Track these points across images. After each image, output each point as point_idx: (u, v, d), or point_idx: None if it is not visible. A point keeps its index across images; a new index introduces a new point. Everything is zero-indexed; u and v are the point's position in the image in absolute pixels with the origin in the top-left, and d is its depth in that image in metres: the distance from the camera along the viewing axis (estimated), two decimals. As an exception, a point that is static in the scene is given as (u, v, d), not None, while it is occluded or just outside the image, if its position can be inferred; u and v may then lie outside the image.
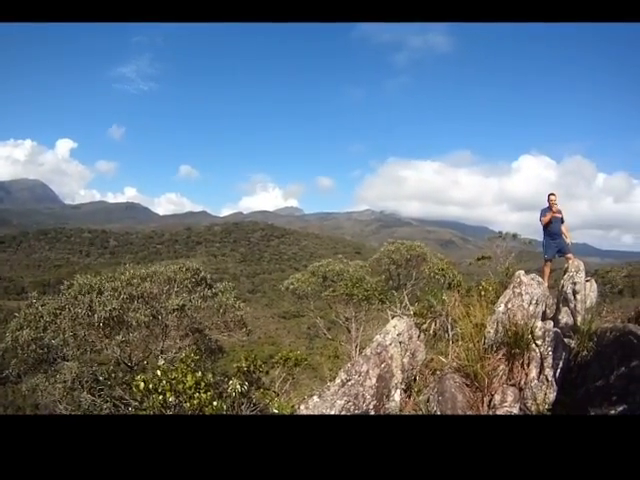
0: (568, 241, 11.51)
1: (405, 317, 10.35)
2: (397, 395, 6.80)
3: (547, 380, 6.48)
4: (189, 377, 8.28)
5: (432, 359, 7.83)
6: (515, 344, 6.63)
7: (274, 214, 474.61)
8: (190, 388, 8.18)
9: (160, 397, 7.98)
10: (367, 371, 6.95)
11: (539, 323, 7.07)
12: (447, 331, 9.45)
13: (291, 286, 21.11)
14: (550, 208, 11.44)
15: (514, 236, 20.43)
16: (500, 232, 21.00)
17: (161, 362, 13.75)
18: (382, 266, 21.33)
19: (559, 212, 11.44)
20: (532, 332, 6.79)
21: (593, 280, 10.05)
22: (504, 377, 6.56)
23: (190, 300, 15.85)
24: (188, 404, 8.06)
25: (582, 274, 8.82)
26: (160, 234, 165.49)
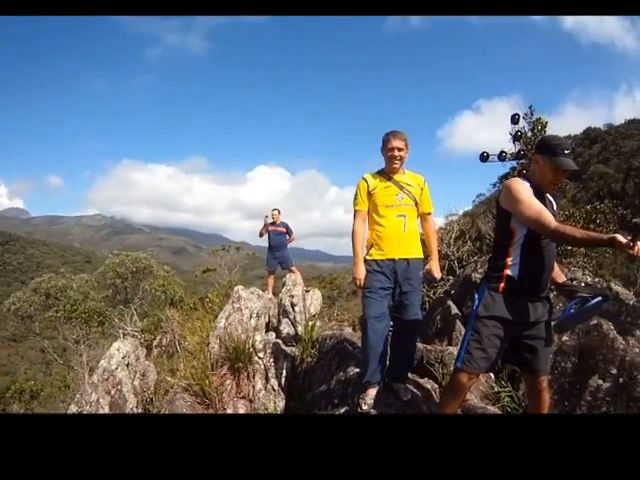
0: (292, 240, 11.87)
1: (129, 337, 9.92)
2: (136, 421, 6.40)
3: (274, 390, 6.48)
4: None
5: (163, 379, 7.53)
6: (237, 358, 6.52)
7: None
8: None
9: None
10: (97, 400, 6.49)
11: (258, 336, 7.04)
12: (177, 348, 9.22)
13: (13, 307, 19.00)
14: (273, 223, 11.68)
15: (237, 249, 20.64)
16: (224, 245, 21.06)
17: None
18: (108, 280, 20.14)
19: (283, 226, 11.74)
20: (253, 345, 6.76)
21: (316, 289, 10.47)
22: (233, 391, 6.43)
23: None
24: None
25: (299, 287, 9.03)
26: None
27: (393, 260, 4.68)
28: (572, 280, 3.70)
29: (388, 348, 4.90)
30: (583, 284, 3.58)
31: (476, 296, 3.65)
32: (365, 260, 4.79)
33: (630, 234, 2.82)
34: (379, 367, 4.73)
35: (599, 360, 4.73)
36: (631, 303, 5.36)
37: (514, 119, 16.59)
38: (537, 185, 3.43)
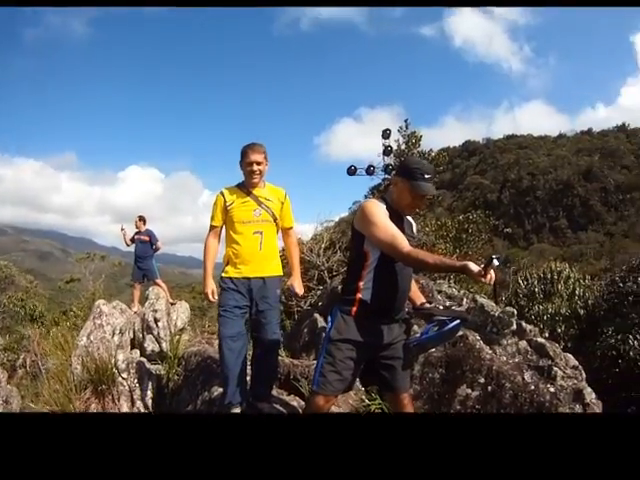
0: (158, 249, 11.42)
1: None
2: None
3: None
4: None
5: (27, 405, 6.97)
6: (100, 380, 6.14)
7: None
8: None
9: None
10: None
11: (121, 355, 6.68)
12: (40, 369, 8.65)
13: None
14: (138, 232, 11.24)
15: (102, 257, 19.81)
16: (88, 253, 20.18)
17: None
18: (-34, 292, 18.84)
19: (147, 234, 11.22)
20: (116, 365, 6.42)
21: (183, 301, 10.07)
22: (98, 416, 6.06)
23: None
24: None
25: (163, 300, 8.71)
26: None
27: (248, 278, 4.61)
28: (430, 302, 3.64)
29: (249, 367, 4.85)
30: (441, 307, 3.54)
31: (329, 319, 3.55)
32: (221, 277, 4.71)
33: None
34: (239, 388, 4.62)
35: (466, 370, 4.83)
36: (496, 314, 5.49)
37: (385, 134, 17.03)
38: (394, 207, 3.36)
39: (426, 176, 3.22)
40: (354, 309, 3.35)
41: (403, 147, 16.77)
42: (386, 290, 3.33)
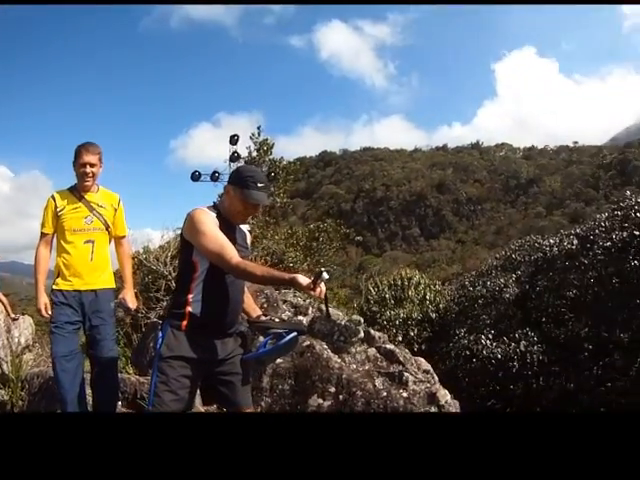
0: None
1: None
2: None
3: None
4: None
5: None
6: None
7: None
8: None
9: None
10: None
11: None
12: None
13: None
14: None
15: None
16: None
17: None
18: None
19: None
20: (-47, 393, 5.92)
21: (26, 316, 9.51)
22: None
23: None
24: None
25: (1, 316, 8.20)
26: None
27: (79, 291, 4.37)
28: (266, 315, 3.61)
29: (88, 387, 4.59)
30: (277, 319, 3.53)
31: (159, 334, 3.37)
32: (51, 289, 4.45)
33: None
34: (79, 410, 4.35)
35: (316, 380, 4.85)
36: (343, 323, 5.54)
37: (232, 140, 17.04)
38: (225, 216, 3.29)
39: (259, 184, 3.19)
40: (184, 323, 3.22)
41: (255, 154, 16.87)
42: (216, 303, 3.25)
